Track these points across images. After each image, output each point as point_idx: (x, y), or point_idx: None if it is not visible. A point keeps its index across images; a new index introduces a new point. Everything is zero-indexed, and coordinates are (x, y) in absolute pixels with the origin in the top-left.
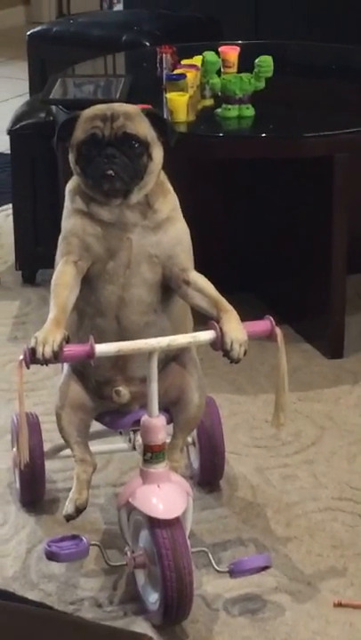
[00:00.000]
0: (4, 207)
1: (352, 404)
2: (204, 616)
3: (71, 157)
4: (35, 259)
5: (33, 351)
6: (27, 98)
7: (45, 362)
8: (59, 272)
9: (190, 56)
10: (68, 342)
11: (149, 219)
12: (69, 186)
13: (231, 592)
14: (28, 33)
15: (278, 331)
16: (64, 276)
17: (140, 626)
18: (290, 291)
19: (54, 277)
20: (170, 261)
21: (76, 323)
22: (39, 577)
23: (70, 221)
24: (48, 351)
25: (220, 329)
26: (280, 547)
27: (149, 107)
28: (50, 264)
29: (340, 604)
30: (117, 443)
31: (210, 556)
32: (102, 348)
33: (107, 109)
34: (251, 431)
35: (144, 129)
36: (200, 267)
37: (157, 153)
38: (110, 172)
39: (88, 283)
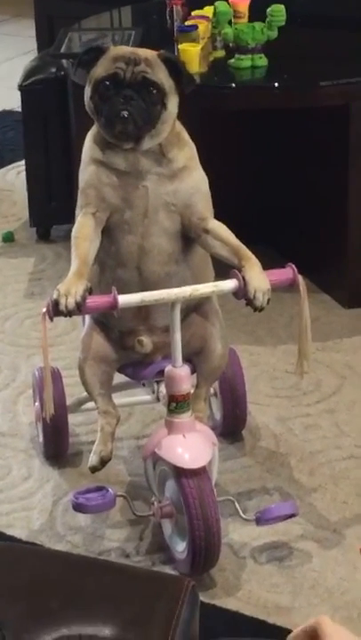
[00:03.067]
0: (17, 164)
1: None
2: (232, 564)
3: (87, 92)
4: (48, 215)
5: (56, 303)
6: (34, 55)
7: (69, 313)
8: (78, 224)
9: (199, 7)
10: (90, 294)
11: (165, 167)
12: (91, 132)
13: (258, 540)
14: None
15: (301, 279)
16: (83, 228)
17: None
18: (307, 241)
19: (74, 230)
20: (188, 210)
21: (98, 275)
22: (65, 529)
23: (87, 172)
24: (71, 302)
25: (243, 277)
26: (305, 495)
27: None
28: (63, 220)
29: None
30: (139, 395)
31: (236, 504)
32: (125, 299)
33: (131, 53)
34: (271, 381)
35: (162, 77)
36: (215, 218)
37: (172, 103)
38: (125, 112)
39: (108, 234)
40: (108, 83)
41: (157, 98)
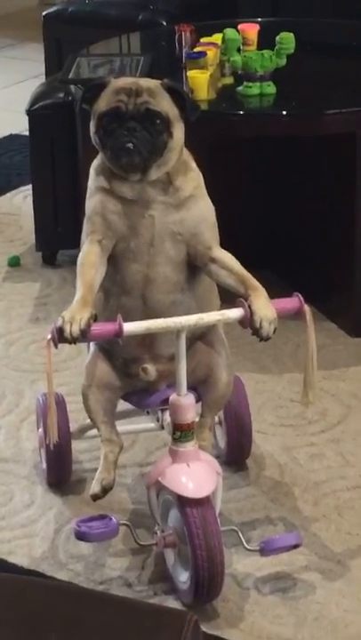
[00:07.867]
0: (23, 188)
1: None
2: (235, 595)
3: (92, 126)
4: (55, 239)
5: (60, 330)
6: (42, 79)
7: (73, 340)
8: (84, 252)
9: (208, 34)
10: (95, 321)
11: (171, 196)
12: (94, 163)
13: (261, 571)
14: (44, 13)
15: (307, 308)
16: (89, 256)
17: (171, 605)
18: (313, 269)
19: (80, 257)
20: (194, 239)
21: (102, 302)
22: (67, 557)
23: (93, 200)
24: (76, 330)
25: (249, 307)
26: (309, 525)
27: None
28: (70, 244)
29: None
30: (143, 422)
31: (240, 534)
32: (130, 327)
33: (132, 84)
34: (276, 410)
35: (166, 106)
36: (221, 246)
37: (178, 131)
38: (130, 144)
39: (113, 262)
40: (111, 116)
41: (162, 127)
